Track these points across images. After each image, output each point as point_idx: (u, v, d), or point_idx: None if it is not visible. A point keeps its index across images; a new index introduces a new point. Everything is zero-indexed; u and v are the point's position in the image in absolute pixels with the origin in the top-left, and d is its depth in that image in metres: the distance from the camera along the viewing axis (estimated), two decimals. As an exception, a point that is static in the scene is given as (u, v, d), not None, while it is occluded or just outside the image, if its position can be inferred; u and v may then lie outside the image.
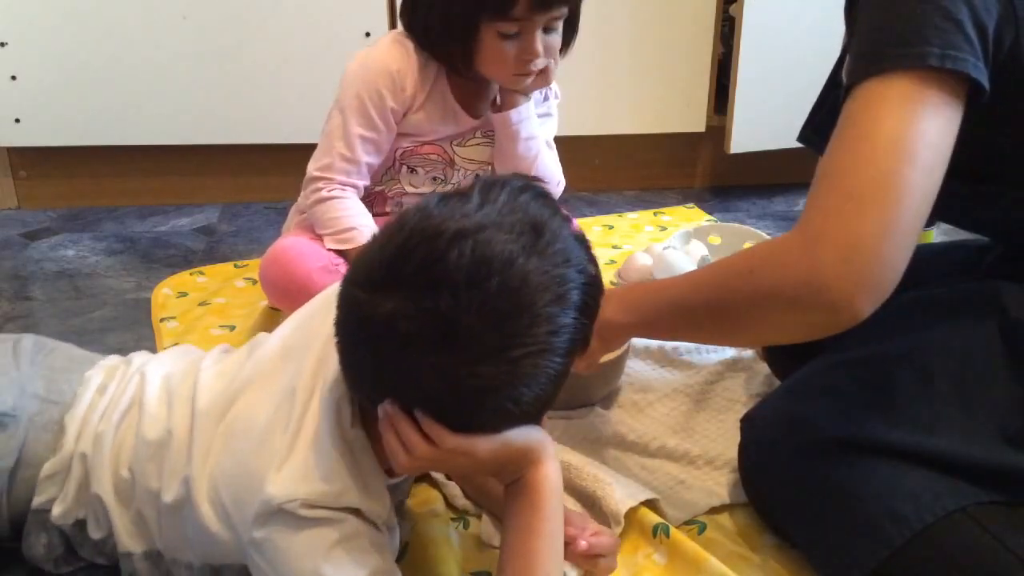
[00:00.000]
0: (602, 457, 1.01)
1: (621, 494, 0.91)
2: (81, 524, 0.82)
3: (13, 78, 1.73)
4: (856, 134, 0.69)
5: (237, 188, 1.93)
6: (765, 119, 1.85)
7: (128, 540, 0.81)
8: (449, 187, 1.34)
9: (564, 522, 0.80)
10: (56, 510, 0.82)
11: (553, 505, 0.72)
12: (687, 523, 0.92)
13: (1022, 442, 0.77)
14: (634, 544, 0.89)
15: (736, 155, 1.91)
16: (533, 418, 0.71)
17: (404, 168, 1.31)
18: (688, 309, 0.82)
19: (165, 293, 1.48)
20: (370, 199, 1.34)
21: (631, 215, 1.89)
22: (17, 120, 1.77)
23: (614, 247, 1.70)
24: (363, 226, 1.23)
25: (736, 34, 1.82)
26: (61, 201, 1.89)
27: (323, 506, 0.69)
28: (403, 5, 1.23)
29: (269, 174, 1.91)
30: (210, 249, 1.69)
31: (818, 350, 0.92)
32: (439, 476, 0.97)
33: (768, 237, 1.53)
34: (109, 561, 0.83)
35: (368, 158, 1.25)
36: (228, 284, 1.52)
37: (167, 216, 1.85)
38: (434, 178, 1.33)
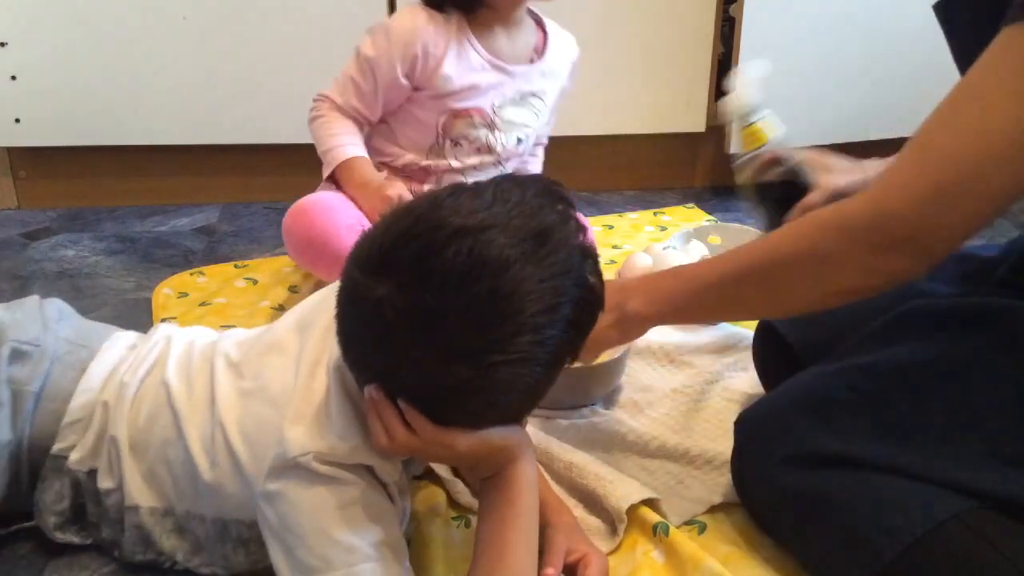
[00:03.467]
0: (602, 457, 1.01)
1: (623, 491, 0.91)
2: (93, 473, 0.84)
3: (13, 78, 1.73)
4: (963, 95, 0.64)
5: (237, 188, 1.93)
6: (765, 119, 1.85)
7: (136, 493, 0.82)
8: (494, 160, 1.38)
9: (546, 555, 0.80)
10: (74, 456, 0.84)
11: (528, 501, 0.72)
12: (687, 523, 0.92)
13: (1016, 462, 0.74)
14: (633, 541, 0.89)
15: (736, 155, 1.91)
16: (512, 420, 0.72)
17: (448, 143, 1.33)
18: (731, 282, 0.79)
19: (165, 293, 1.48)
20: (410, 173, 1.36)
21: (631, 215, 1.89)
22: (17, 120, 1.77)
23: (614, 247, 1.69)
24: (338, 146, 1.27)
25: (736, 34, 1.83)
26: (61, 201, 1.89)
27: (336, 463, 0.69)
28: None
29: (269, 174, 1.91)
30: (210, 249, 1.69)
31: (811, 359, 0.92)
32: (444, 473, 0.97)
33: (768, 237, 1.53)
34: (110, 523, 0.84)
35: (356, 103, 1.30)
36: (228, 284, 1.52)
37: (167, 216, 1.85)
38: (478, 149, 1.35)
